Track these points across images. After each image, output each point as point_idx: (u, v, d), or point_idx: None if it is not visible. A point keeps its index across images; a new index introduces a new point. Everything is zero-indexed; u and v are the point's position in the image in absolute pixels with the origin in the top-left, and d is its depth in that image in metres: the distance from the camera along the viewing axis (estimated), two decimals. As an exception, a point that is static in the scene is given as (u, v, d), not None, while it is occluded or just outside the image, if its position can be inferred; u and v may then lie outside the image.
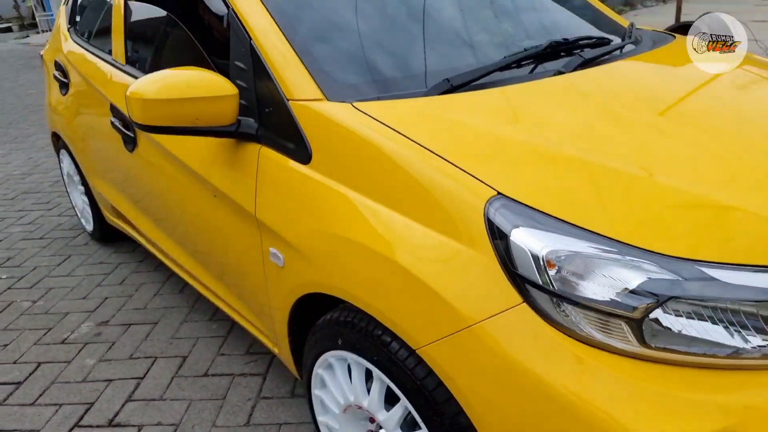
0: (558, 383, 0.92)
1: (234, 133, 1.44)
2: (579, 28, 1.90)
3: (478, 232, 1.01)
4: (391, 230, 1.13)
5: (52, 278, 2.86)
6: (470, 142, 1.17)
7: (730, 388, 0.90)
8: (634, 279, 0.90)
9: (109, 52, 2.29)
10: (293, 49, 1.39)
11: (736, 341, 0.90)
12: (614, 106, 1.34)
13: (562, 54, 1.57)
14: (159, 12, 2.15)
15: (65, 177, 3.29)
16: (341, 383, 1.34)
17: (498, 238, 0.99)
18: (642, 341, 0.91)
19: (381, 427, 1.32)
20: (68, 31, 2.82)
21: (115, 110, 2.15)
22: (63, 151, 3.12)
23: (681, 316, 0.90)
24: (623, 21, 2.06)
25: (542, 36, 1.70)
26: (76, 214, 3.39)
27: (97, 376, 2.11)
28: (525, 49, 1.53)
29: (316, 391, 1.46)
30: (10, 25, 24.22)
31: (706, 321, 0.90)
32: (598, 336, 0.92)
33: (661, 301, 0.89)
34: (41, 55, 3.22)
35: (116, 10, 2.23)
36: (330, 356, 1.34)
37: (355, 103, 1.27)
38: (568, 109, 1.30)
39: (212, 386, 2.01)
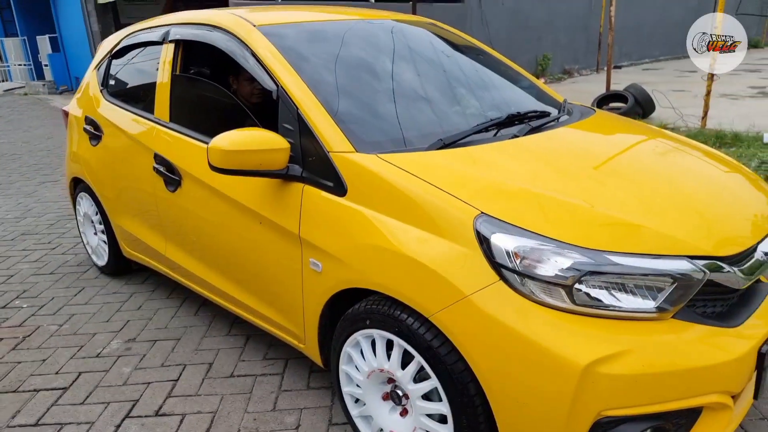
0: (522, 329, 1.46)
1: (285, 175, 1.97)
2: (527, 102, 2.56)
3: (469, 237, 1.56)
4: (407, 237, 1.67)
5: (72, 306, 3.21)
6: (459, 180, 1.73)
7: (627, 331, 1.46)
8: (566, 262, 1.47)
9: (151, 112, 2.79)
10: (331, 117, 1.96)
11: (635, 303, 1.47)
12: (554, 159, 1.94)
13: (516, 122, 2.20)
14: (200, 83, 2.68)
15: (80, 218, 3.67)
16: (367, 355, 1.83)
17: (482, 240, 1.55)
18: (573, 301, 1.47)
19: (397, 386, 1.82)
20: (101, 92, 3.29)
21: (159, 158, 2.63)
22: (82, 194, 3.53)
23: (596, 287, 1.47)
24: (559, 96, 2.74)
25: (502, 108, 2.34)
26: (87, 252, 3.75)
27: (136, 380, 2.49)
28: (491, 119, 2.15)
29: (343, 367, 1.94)
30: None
31: (613, 290, 1.47)
32: (547, 299, 1.47)
33: (583, 275, 1.45)
34: (64, 111, 3.67)
35: (161, 79, 2.74)
36: (358, 335, 1.84)
37: (378, 155, 1.84)
38: (522, 161, 1.90)
39: (239, 384, 2.43)
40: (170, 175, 2.56)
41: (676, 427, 1.53)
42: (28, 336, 2.91)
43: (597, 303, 1.47)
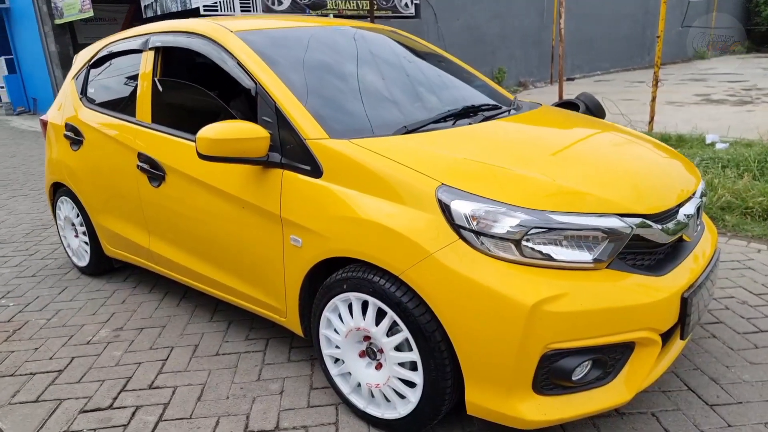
0: (479, 279, 1.73)
1: (265, 162, 2.21)
2: (482, 98, 2.86)
3: (432, 204, 1.84)
4: (377, 209, 1.93)
5: (58, 303, 3.36)
6: (422, 158, 2.00)
7: (568, 278, 1.74)
8: (514, 221, 1.75)
9: (132, 115, 2.99)
10: (306, 109, 2.21)
11: (574, 256, 1.75)
12: (505, 140, 2.24)
13: (471, 114, 2.50)
14: (180, 86, 2.90)
15: (61, 222, 3.81)
16: (345, 317, 2.07)
17: (443, 207, 1.82)
18: (521, 254, 1.75)
19: (372, 343, 2.06)
20: (80, 100, 3.47)
21: (142, 156, 2.83)
22: (63, 199, 3.68)
23: (541, 242, 1.75)
24: (509, 95, 3.07)
25: (459, 103, 2.65)
26: (67, 254, 3.88)
27: (127, 361, 2.67)
28: (449, 111, 2.45)
29: (323, 331, 2.18)
30: None
31: (556, 244, 1.76)
32: (500, 253, 1.75)
33: (528, 230, 1.74)
34: (42, 121, 3.82)
35: (142, 83, 2.95)
36: (336, 300, 2.08)
37: (350, 140, 2.10)
38: (476, 142, 2.19)
39: (224, 360, 2.63)
40: (154, 171, 2.76)
41: (613, 360, 1.82)
42: (19, 329, 3.04)
43: (542, 256, 1.75)
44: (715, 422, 2.07)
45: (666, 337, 1.95)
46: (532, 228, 1.74)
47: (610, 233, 1.77)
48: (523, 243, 1.74)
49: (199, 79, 2.91)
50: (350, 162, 2.04)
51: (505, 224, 1.75)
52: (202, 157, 2.17)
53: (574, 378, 1.77)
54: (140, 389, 2.44)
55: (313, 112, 2.22)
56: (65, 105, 3.60)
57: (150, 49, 2.96)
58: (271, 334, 2.84)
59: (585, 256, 1.77)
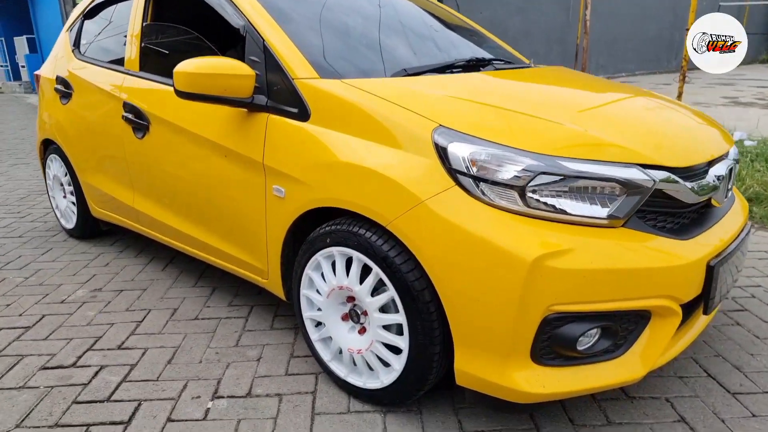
0: (475, 230, 1.51)
1: (249, 104, 2.01)
2: (495, 54, 2.64)
3: (427, 148, 1.62)
4: (367, 152, 1.72)
5: (39, 263, 3.20)
6: (420, 100, 1.79)
7: (577, 233, 1.52)
8: (518, 166, 1.53)
9: (121, 65, 2.82)
10: (296, 47, 2.01)
11: (587, 210, 1.53)
12: (513, 86, 2.02)
13: (481, 67, 2.28)
14: (168, 30, 2.72)
15: (50, 181, 3.66)
16: (327, 275, 1.87)
17: (439, 150, 1.60)
18: (525, 204, 1.53)
19: (356, 305, 1.86)
20: (72, 52, 3.31)
21: (128, 106, 2.65)
22: (52, 157, 3.52)
23: (549, 194, 1.53)
24: (526, 60, 2.84)
25: (470, 56, 2.43)
26: (56, 216, 3.73)
27: (100, 321, 2.50)
28: (456, 60, 2.23)
29: (304, 291, 1.98)
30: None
31: (566, 196, 1.53)
32: (500, 202, 1.53)
33: (534, 176, 1.51)
34: (36, 75, 3.67)
35: (132, 31, 2.78)
36: (319, 256, 1.87)
37: (342, 80, 1.89)
38: (482, 87, 1.97)
39: (203, 325, 2.45)
40: (138, 121, 2.59)
41: (625, 331, 1.60)
42: (-8, 286, 2.89)
43: (549, 208, 1.53)
44: (738, 411, 1.83)
45: (687, 311, 1.72)
46: (539, 174, 1.52)
47: (629, 186, 1.54)
48: (528, 192, 1.52)
49: (190, 23, 2.73)
50: (339, 102, 1.84)
51: (509, 169, 1.54)
52: (180, 94, 1.98)
53: (579, 348, 1.55)
54: (108, 349, 2.26)
55: (303, 50, 2.02)
56: (58, 58, 3.45)
57: (139, -7, 2.79)
58: (256, 301, 2.65)
59: (599, 210, 1.54)
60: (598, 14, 14.07)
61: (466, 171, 1.56)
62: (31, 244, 3.52)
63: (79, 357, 2.20)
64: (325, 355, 1.98)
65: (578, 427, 1.77)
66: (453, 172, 1.58)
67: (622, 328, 1.58)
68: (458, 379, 1.65)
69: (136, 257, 3.25)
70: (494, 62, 2.38)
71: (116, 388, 2.00)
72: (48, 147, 3.58)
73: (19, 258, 3.28)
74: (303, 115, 1.91)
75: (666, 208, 1.65)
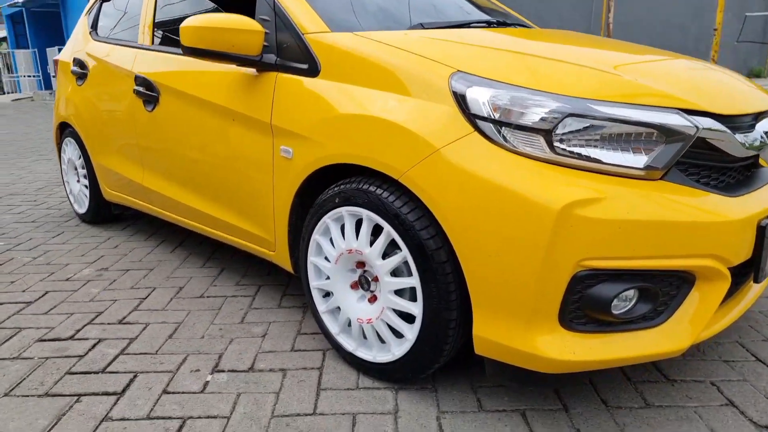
0: (496, 178, 1.36)
1: (258, 62, 1.90)
2: (519, 20, 2.50)
3: (444, 94, 1.48)
4: (379, 102, 1.59)
5: (48, 245, 3.13)
6: (436, 48, 1.65)
7: (611, 182, 1.35)
8: (545, 108, 1.38)
9: (135, 40, 2.76)
10: (307, 2, 1.91)
11: (622, 159, 1.36)
12: (537, 38, 1.87)
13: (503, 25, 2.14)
14: (183, 4, 2.65)
15: (65, 166, 3.61)
16: (336, 238, 1.73)
17: (457, 95, 1.46)
18: (553, 151, 1.37)
19: (366, 271, 1.72)
20: (89, 34, 3.27)
21: (139, 79, 2.58)
22: (67, 140, 3.48)
23: (579, 142, 1.37)
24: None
25: (492, 18, 2.29)
26: (69, 201, 3.67)
27: (103, 298, 2.39)
28: (478, 19, 2.10)
29: (311, 258, 1.84)
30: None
31: (598, 144, 1.37)
32: (524, 148, 1.38)
33: (562, 119, 1.36)
34: (55, 61, 3.64)
35: (146, 6, 2.72)
36: (327, 218, 1.74)
37: (354, 33, 1.77)
38: (503, 37, 1.82)
39: (208, 303, 2.32)
40: (149, 93, 2.51)
41: (667, 296, 1.42)
42: (1, 264, 2.81)
43: (580, 156, 1.37)
44: (795, 397, 1.63)
45: (735, 280, 1.53)
46: (567, 117, 1.36)
47: (669, 132, 1.37)
48: (555, 139, 1.37)
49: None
50: (350, 54, 1.71)
51: (533, 112, 1.39)
52: (186, 51, 1.88)
53: (615, 312, 1.38)
54: (108, 323, 2.15)
55: (314, 5, 1.91)
56: (76, 41, 3.41)
57: (155, -36, 2.73)
58: (265, 281, 2.52)
59: (635, 159, 1.37)
60: (620, 22, 13.82)
61: (486, 116, 1.42)
62: (43, 228, 3.46)
63: (78, 330, 2.10)
64: (333, 327, 1.84)
65: (612, 409, 1.59)
66: (472, 118, 1.43)
67: (663, 291, 1.41)
68: (477, 347, 1.48)
69: (146, 240, 3.16)
70: (516, 25, 2.24)
71: (113, 360, 1.88)
72: (64, 131, 3.54)
73: (29, 240, 3.21)
74: (313, 70, 1.80)
75: (710, 161, 1.48)
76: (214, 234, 2.38)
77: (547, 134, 1.37)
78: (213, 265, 2.74)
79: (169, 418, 1.58)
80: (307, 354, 1.90)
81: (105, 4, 3.30)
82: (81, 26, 3.43)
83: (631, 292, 1.39)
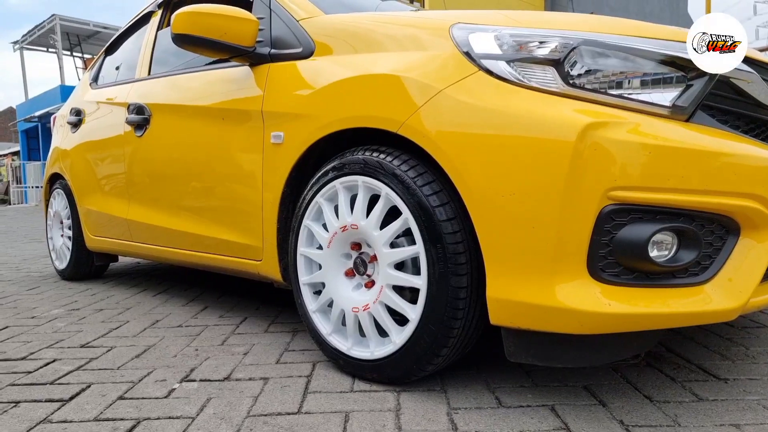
0: (508, 111, 1.22)
1: (251, 54, 1.83)
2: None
3: (445, 43, 1.38)
4: (376, 62, 1.49)
5: (22, 295, 2.89)
6: (434, 13, 1.57)
7: (633, 113, 1.21)
8: (555, 40, 1.26)
9: (133, 77, 2.75)
10: (299, -8, 1.88)
11: (644, 95, 1.22)
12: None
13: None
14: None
15: (50, 221, 3.46)
16: (329, 217, 1.54)
17: (459, 41, 1.36)
18: (567, 83, 1.23)
19: (363, 253, 1.51)
20: (89, 86, 3.28)
21: (132, 106, 2.51)
22: (55, 193, 3.36)
23: (596, 80, 1.24)
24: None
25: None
26: (51, 258, 3.48)
27: (69, 329, 2.13)
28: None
29: (302, 249, 1.63)
30: (-21, 200, 24.90)
31: (617, 80, 1.24)
32: (534, 83, 1.25)
33: (574, 47, 1.24)
34: (53, 117, 3.64)
35: (147, 41, 2.74)
36: (319, 197, 1.56)
37: (349, 14, 1.72)
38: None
39: (186, 330, 2.07)
40: (140, 116, 2.43)
41: (709, 245, 1.20)
42: (-38, 307, 2.57)
43: (596, 89, 1.23)
44: None
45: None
46: (579, 46, 1.24)
47: (691, 68, 1.24)
48: (569, 70, 1.24)
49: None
50: (346, 28, 1.65)
51: (543, 45, 1.27)
52: (177, 39, 1.82)
53: (654, 257, 1.16)
54: (68, 347, 1.89)
55: (310, -2, 1.88)
56: (75, 96, 3.42)
57: (159, 5, 2.78)
58: (251, 314, 2.27)
59: (661, 97, 1.23)
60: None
61: (491, 53, 1.30)
62: (20, 284, 3.23)
63: (33, 353, 1.83)
64: (325, 327, 1.59)
65: (660, 404, 1.31)
66: (476, 59, 1.32)
67: (705, 239, 1.20)
68: (492, 314, 1.25)
69: (127, 290, 2.92)
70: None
71: (65, 375, 1.61)
72: (53, 184, 3.44)
73: (1, 292, 2.98)
74: (307, 53, 1.72)
75: (740, 109, 1.33)
76: (198, 257, 2.18)
77: (559, 66, 1.24)
78: (196, 304, 2.49)
79: (121, 419, 1.30)
80: (294, 365, 1.63)
81: (108, 57, 3.34)
82: (82, 82, 3.46)
83: (669, 237, 1.19)
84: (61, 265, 3.32)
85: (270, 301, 2.47)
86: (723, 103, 1.29)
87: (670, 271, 1.19)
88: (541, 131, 1.17)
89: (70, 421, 1.30)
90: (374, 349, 1.45)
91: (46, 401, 1.42)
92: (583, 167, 1.13)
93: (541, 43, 1.28)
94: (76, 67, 20.81)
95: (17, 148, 23.07)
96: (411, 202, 1.34)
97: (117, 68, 3.16)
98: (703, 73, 1.25)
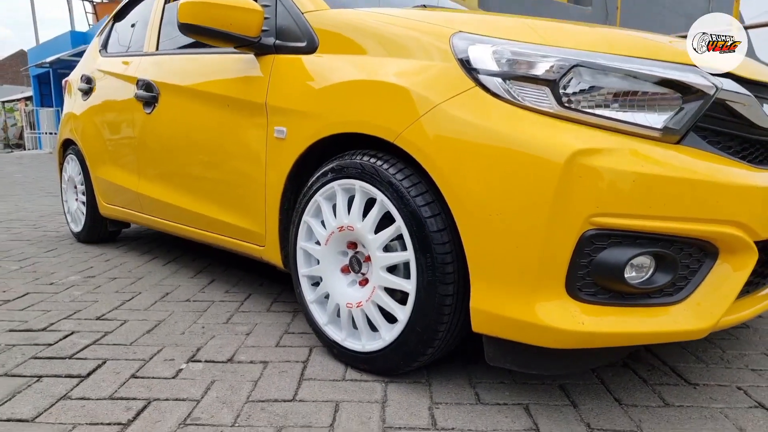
0: (500, 130, 1.27)
1: (256, 44, 1.87)
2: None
3: (445, 53, 1.41)
4: (376, 67, 1.53)
5: (39, 257, 3.03)
6: (437, 15, 1.59)
7: (622, 136, 1.25)
8: (550, 60, 1.30)
9: (141, 50, 2.79)
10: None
11: (636, 117, 1.27)
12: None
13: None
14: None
15: (65, 185, 3.57)
16: (327, 216, 1.63)
17: (458, 52, 1.40)
18: (560, 104, 1.28)
19: (358, 252, 1.60)
20: (99, 52, 3.32)
21: (141, 82, 2.57)
22: (69, 158, 3.46)
23: (589, 100, 1.28)
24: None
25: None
26: (66, 220, 3.61)
27: (85, 299, 2.27)
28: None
29: (301, 244, 1.72)
30: (-6, 144, 25.15)
31: (610, 101, 1.28)
32: (528, 102, 1.29)
33: (569, 68, 1.28)
34: (65, 81, 3.69)
35: (154, 14, 2.77)
36: (319, 196, 1.64)
37: (354, 9, 1.75)
38: (505, 16, 1.78)
39: (194, 305, 2.19)
40: (149, 94, 2.49)
41: (686, 268, 1.28)
42: (-16, 270, 2.72)
43: (589, 110, 1.27)
44: (834, 401, 1.45)
45: (763, 263, 1.40)
46: (574, 67, 1.28)
47: (687, 90, 1.27)
48: (564, 94, 1.28)
49: None
50: (350, 25, 1.68)
51: (539, 64, 1.31)
52: (183, 28, 1.86)
53: (629, 279, 1.24)
54: (85, 319, 2.02)
55: (316, -12, 1.90)
56: (86, 61, 3.46)
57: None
58: (255, 290, 2.39)
59: (652, 119, 1.26)
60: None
61: (489, 70, 1.34)
62: (37, 245, 3.37)
63: (52, 323, 1.97)
64: (322, 318, 1.69)
65: (627, 407, 1.41)
66: (474, 74, 1.36)
67: (682, 262, 1.27)
68: (475, 322, 1.34)
69: (139, 256, 3.06)
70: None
71: (82, 349, 1.74)
72: (67, 149, 3.53)
73: (20, 253, 3.12)
74: (311, 48, 1.76)
75: (734, 131, 1.36)
76: (206, 236, 2.28)
77: (554, 86, 1.29)
78: (204, 277, 2.61)
79: (134, 399, 1.43)
80: (292, 349, 1.75)
81: (117, 25, 3.37)
82: (92, 47, 3.49)
83: (647, 260, 1.26)
84: (77, 228, 3.45)
85: (273, 277, 2.58)
86: (716, 124, 1.33)
87: (645, 292, 1.26)
88: (531, 154, 1.23)
89: (88, 399, 1.43)
90: (366, 343, 1.56)
91: (65, 377, 1.55)
92: (568, 193, 1.20)
93: (537, 61, 1.31)
94: (86, 12, 20.58)
95: (30, 92, 23.10)
96: (404, 211, 1.42)
97: (125, 35, 3.19)
98: (698, 96, 1.28)
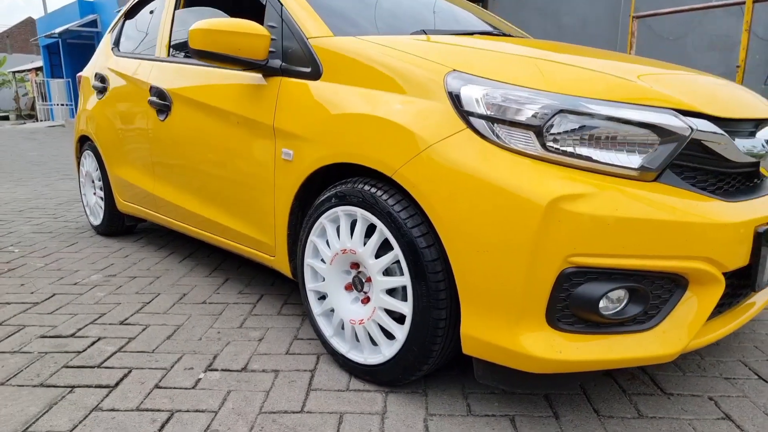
0: (488, 173, 1.38)
1: (264, 67, 1.97)
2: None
3: (439, 92, 1.51)
4: (376, 101, 1.63)
5: (62, 253, 3.20)
6: (434, 48, 1.68)
7: (602, 179, 1.35)
8: (536, 105, 1.40)
9: (153, 54, 2.87)
10: (313, 8, 1.98)
11: (614, 158, 1.36)
12: (538, 47, 1.90)
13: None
14: (197, 13, 2.76)
15: (83, 179, 3.72)
16: (331, 239, 1.75)
17: (452, 93, 1.49)
18: (544, 147, 1.38)
19: (360, 272, 1.73)
20: (111, 50, 3.41)
21: (153, 89, 2.67)
22: (86, 154, 3.59)
23: (571, 140, 1.38)
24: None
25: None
26: (85, 213, 3.77)
27: (108, 301, 2.43)
28: (480, 30, 2.15)
29: (308, 261, 1.86)
30: (7, 114, 25.35)
31: (591, 143, 1.38)
32: (515, 145, 1.39)
33: (553, 116, 1.38)
34: (78, 77, 3.79)
35: (165, 19, 2.84)
36: (324, 219, 1.77)
37: (357, 37, 1.83)
38: (500, 44, 1.85)
39: (209, 308, 2.34)
40: (162, 102, 2.59)
41: (657, 299, 1.40)
42: (14, 269, 2.89)
43: (572, 154, 1.38)
44: (796, 413, 1.58)
45: (734, 290, 1.52)
46: (558, 113, 1.38)
47: (663, 132, 1.37)
48: (547, 136, 1.38)
49: (219, 4, 2.77)
50: (350, 55, 1.77)
51: (525, 109, 1.40)
52: (195, 53, 1.96)
53: (603, 312, 1.36)
54: (110, 324, 2.18)
55: (319, 11, 1.98)
56: (98, 57, 3.55)
57: (177, -17, 2.86)
58: (267, 291, 2.54)
59: (629, 160, 1.37)
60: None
61: (479, 113, 1.44)
62: (59, 238, 3.54)
63: (80, 329, 2.13)
64: (327, 330, 1.84)
65: (604, 419, 1.56)
66: (465, 115, 1.46)
67: (654, 294, 1.39)
68: (465, 346, 1.48)
69: (156, 251, 3.22)
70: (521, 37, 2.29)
71: (109, 357, 1.91)
72: (83, 145, 3.66)
73: (44, 248, 3.29)
74: (315, 74, 1.85)
75: (708, 166, 1.46)
76: (219, 241, 2.42)
77: (539, 131, 1.38)
78: (218, 275, 2.77)
79: (158, 410, 1.59)
80: (301, 357, 1.90)
81: (128, 22, 3.45)
82: (104, 43, 3.58)
83: (621, 293, 1.38)
84: (96, 221, 3.60)
85: (283, 277, 2.72)
86: (692, 161, 1.43)
87: (619, 322, 1.39)
88: (516, 198, 1.34)
89: (117, 410, 1.59)
90: (367, 357, 1.70)
91: (96, 387, 1.72)
92: (548, 234, 1.31)
93: (523, 108, 1.41)
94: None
95: (40, 62, 23.13)
96: (402, 241, 1.54)
97: (136, 34, 3.28)
98: (674, 138, 1.37)
